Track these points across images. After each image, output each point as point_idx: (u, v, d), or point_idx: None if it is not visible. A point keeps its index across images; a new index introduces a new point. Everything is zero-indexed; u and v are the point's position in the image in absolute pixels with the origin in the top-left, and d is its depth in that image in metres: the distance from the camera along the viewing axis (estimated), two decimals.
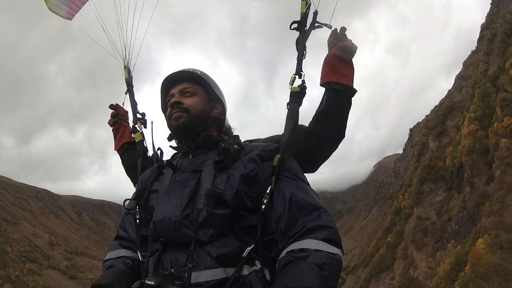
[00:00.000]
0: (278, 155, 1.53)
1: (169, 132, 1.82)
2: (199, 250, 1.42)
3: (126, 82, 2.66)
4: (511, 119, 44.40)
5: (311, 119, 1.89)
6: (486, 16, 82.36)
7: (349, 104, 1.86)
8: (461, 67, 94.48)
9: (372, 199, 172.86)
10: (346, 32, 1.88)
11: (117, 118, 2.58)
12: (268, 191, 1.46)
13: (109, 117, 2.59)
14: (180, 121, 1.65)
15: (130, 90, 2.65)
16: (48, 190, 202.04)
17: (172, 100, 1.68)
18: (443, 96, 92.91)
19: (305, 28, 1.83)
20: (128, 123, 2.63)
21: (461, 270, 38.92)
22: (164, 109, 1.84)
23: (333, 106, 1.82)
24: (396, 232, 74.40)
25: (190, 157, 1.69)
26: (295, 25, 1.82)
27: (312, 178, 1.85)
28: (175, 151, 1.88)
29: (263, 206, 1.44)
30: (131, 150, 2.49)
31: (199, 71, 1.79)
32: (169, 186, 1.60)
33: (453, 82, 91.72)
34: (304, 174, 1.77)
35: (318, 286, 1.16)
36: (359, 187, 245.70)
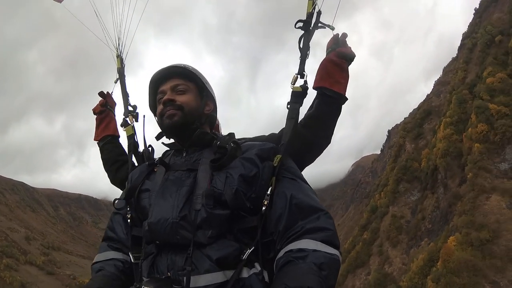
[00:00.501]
0: (279, 156, 1.50)
1: (159, 130, 1.76)
2: (198, 252, 1.36)
3: (118, 71, 2.54)
4: (485, 126, 46.59)
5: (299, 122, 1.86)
6: (468, 26, 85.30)
7: (338, 111, 1.85)
8: (441, 73, 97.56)
9: (349, 197, 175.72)
10: (347, 39, 1.88)
11: (105, 107, 2.48)
12: (268, 192, 1.43)
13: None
14: (175, 119, 1.59)
15: (122, 81, 2.53)
16: (24, 183, 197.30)
17: (165, 97, 1.61)
18: (422, 100, 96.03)
19: (310, 28, 1.81)
20: (115, 115, 2.53)
21: (433, 266, 41.09)
22: (153, 107, 1.78)
23: (323, 112, 1.81)
24: (372, 229, 76.30)
25: (184, 155, 1.64)
26: (300, 24, 1.78)
27: None
28: (167, 148, 1.80)
29: (263, 207, 1.41)
30: (113, 144, 2.39)
31: (190, 66, 1.73)
32: (162, 185, 1.54)
33: (432, 87, 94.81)
34: None
35: (318, 286, 1.14)
36: (337, 185, 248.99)
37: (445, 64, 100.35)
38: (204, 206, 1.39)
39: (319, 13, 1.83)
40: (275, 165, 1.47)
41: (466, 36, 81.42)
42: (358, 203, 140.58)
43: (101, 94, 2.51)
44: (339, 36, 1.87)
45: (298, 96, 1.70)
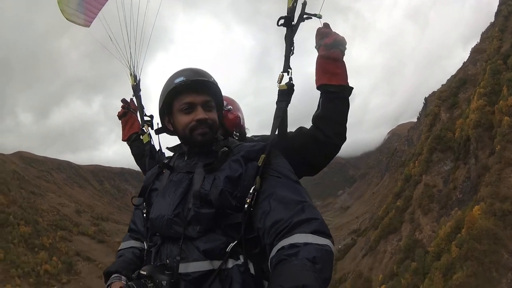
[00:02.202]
0: (263, 155, 1.55)
1: (174, 138, 1.81)
2: (189, 244, 1.52)
3: (132, 88, 2.72)
4: None
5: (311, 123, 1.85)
6: None
7: (345, 105, 1.80)
8: (479, 39, 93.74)
9: (384, 166, 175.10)
10: (329, 27, 1.83)
11: (128, 110, 2.73)
12: (251, 191, 1.48)
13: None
14: (206, 137, 1.68)
15: (137, 96, 2.69)
16: (69, 161, 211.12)
17: (201, 116, 1.65)
18: (459, 67, 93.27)
19: (293, 23, 1.74)
20: (137, 117, 2.72)
21: (459, 233, 43.70)
22: (167, 108, 1.75)
23: (329, 110, 1.78)
24: (405, 197, 78.52)
25: (185, 158, 1.75)
26: (282, 21, 1.73)
27: None
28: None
29: (245, 205, 1.47)
30: (139, 140, 2.59)
31: (215, 80, 1.76)
32: (165, 185, 1.70)
33: (469, 54, 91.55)
34: (305, 175, 1.94)
35: (314, 282, 1.14)
36: (372, 154, 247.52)
37: (483, 29, 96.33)
38: (193, 205, 1.54)
39: (304, 3, 1.75)
40: (259, 164, 1.53)
41: (502, 2, 77.76)
42: (393, 172, 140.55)
43: (123, 100, 2.75)
44: (321, 29, 1.84)
45: (284, 94, 1.70)
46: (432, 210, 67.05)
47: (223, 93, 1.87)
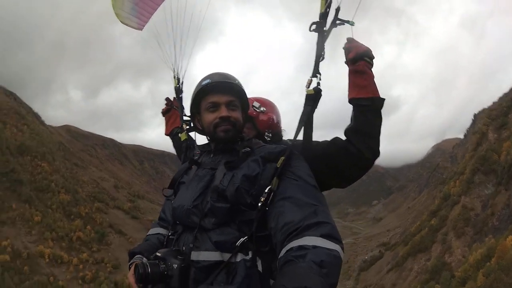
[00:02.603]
0: (283, 157, 1.61)
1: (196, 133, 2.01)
2: (204, 234, 1.62)
3: (175, 89, 2.83)
4: None
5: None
6: None
7: (376, 117, 1.79)
8: None
9: (424, 181, 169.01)
10: (353, 41, 1.86)
11: (171, 107, 2.92)
12: (266, 190, 1.54)
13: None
14: (229, 134, 1.78)
15: (178, 97, 2.83)
16: (113, 139, 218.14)
17: (223, 114, 1.77)
18: None
19: (324, 29, 1.76)
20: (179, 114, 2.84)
21: (488, 261, 41.52)
22: (195, 108, 1.91)
23: (360, 123, 1.78)
24: (441, 217, 75.67)
25: (211, 155, 1.87)
26: (314, 27, 1.77)
27: None
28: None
29: (259, 204, 1.53)
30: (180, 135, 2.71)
31: (240, 83, 1.87)
32: (191, 179, 1.83)
33: None
34: (335, 186, 1.98)
35: (318, 285, 1.15)
36: (413, 166, 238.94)
37: None
38: (210, 199, 1.64)
39: (337, 9, 1.77)
40: (278, 166, 1.59)
41: None
42: (432, 188, 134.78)
43: (167, 99, 2.93)
44: (345, 45, 1.88)
45: (311, 99, 1.74)
46: (466, 234, 63.91)
47: (265, 93, 1.91)
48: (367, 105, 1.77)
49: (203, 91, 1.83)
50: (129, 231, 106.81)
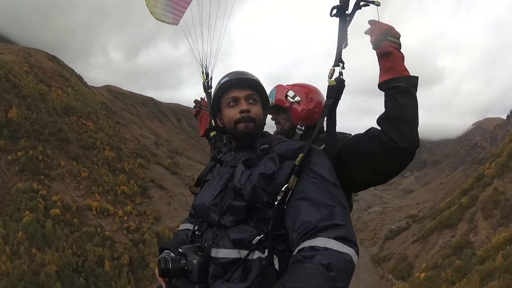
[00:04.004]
0: (301, 154, 1.55)
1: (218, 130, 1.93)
2: (223, 232, 1.61)
3: (203, 85, 2.79)
4: None
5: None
6: None
7: (408, 99, 1.60)
8: None
9: (460, 158, 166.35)
10: (374, 22, 1.68)
11: (200, 108, 2.90)
12: (283, 189, 1.51)
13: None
14: (250, 128, 1.75)
15: (207, 93, 2.78)
16: (152, 98, 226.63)
17: (244, 107, 1.75)
18: None
19: (346, 13, 1.64)
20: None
21: (509, 245, 44.05)
22: (216, 105, 1.88)
23: (389, 108, 1.62)
24: (471, 196, 76.98)
25: (232, 153, 1.85)
26: (335, 11, 1.64)
27: None
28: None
29: (275, 202, 1.51)
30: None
31: (256, 77, 1.84)
32: (214, 177, 1.83)
33: None
34: (372, 184, 1.83)
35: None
36: (451, 142, 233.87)
37: None
38: (228, 197, 1.63)
39: None
40: (296, 163, 1.54)
41: None
42: (467, 167, 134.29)
43: (195, 101, 2.95)
44: (367, 30, 1.71)
45: (333, 90, 1.64)
46: (493, 216, 65.60)
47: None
48: (395, 87, 1.61)
49: (222, 89, 1.83)
50: (169, 186, 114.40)
